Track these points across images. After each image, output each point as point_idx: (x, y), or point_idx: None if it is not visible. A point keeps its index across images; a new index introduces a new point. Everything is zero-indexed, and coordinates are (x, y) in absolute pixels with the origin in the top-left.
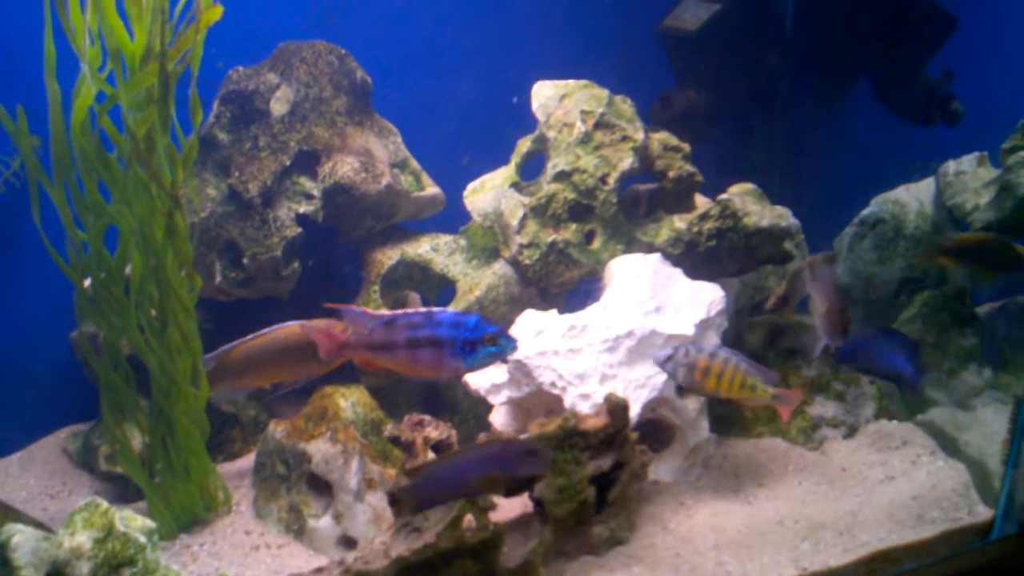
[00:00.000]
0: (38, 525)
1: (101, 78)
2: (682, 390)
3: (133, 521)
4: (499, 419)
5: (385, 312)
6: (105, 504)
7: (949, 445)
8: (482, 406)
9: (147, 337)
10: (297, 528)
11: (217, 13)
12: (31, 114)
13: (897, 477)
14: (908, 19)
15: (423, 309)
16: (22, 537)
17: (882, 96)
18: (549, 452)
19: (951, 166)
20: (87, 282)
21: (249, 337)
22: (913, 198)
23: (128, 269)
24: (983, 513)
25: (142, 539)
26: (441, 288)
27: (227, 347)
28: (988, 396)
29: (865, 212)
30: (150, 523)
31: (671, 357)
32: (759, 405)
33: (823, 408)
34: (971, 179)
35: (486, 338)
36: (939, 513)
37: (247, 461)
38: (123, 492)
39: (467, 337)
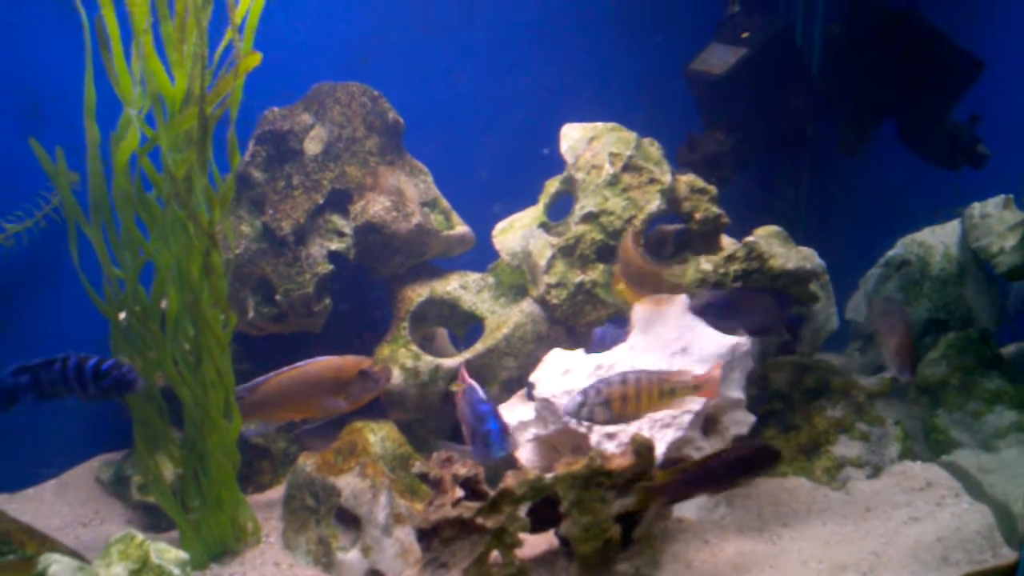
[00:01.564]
0: (72, 554)
1: (141, 119)
2: (705, 430)
3: (167, 553)
4: (525, 456)
5: None
6: (140, 536)
7: (974, 487)
8: None
9: (181, 371)
10: (326, 561)
11: (256, 60)
12: (73, 152)
13: (921, 518)
14: (934, 63)
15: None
16: (59, 567)
17: (908, 139)
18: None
19: (976, 208)
20: (122, 315)
21: (279, 371)
22: (938, 240)
23: (163, 304)
24: (1008, 555)
25: (176, 571)
26: (469, 325)
27: (256, 381)
28: (1013, 438)
29: (891, 253)
30: (183, 555)
31: (583, 403)
32: (681, 405)
33: (847, 448)
34: (996, 222)
35: None
36: (963, 555)
37: (276, 493)
38: (155, 521)
39: None
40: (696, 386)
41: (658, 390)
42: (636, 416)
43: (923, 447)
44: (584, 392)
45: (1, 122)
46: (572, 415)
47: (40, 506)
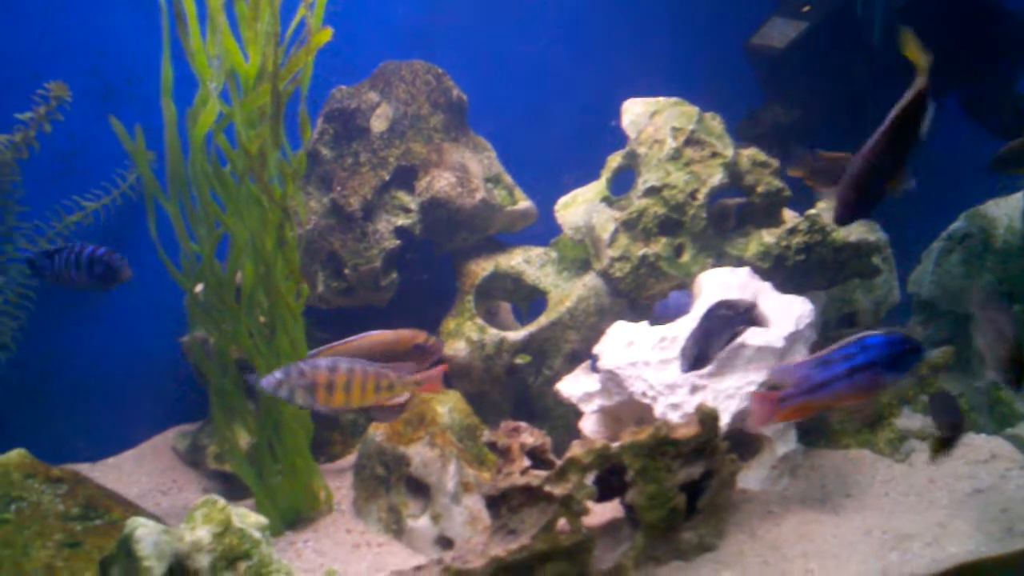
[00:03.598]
0: (155, 519)
1: (217, 96)
2: None
3: (248, 517)
4: (589, 427)
5: (812, 356)
6: (222, 501)
7: None
8: (572, 414)
9: (256, 342)
10: (396, 528)
11: (327, 35)
12: (147, 131)
13: (985, 490)
14: (999, 34)
15: (852, 339)
16: (145, 531)
17: (972, 111)
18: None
19: None
20: (198, 288)
21: (336, 343)
22: (1002, 213)
23: (238, 277)
24: None
25: (256, 534)
26: (532, 299)
27: (313, 353)
28: None
29: (953, 226)
30: (263, 519)
31: (282, 381)
32: (402, 400)
33: (910, 420)
34: None
35: (911, 349)
36: None
37: (347, 462)
38: (229, 489)
39: (899, 351)
40: (417, 382)
41: (374, 384)
42: (347, 406)
43: (987, 420)
44: (286, 370)
45: (77, 105)
46: (269, 390)
47: (120, 475)
